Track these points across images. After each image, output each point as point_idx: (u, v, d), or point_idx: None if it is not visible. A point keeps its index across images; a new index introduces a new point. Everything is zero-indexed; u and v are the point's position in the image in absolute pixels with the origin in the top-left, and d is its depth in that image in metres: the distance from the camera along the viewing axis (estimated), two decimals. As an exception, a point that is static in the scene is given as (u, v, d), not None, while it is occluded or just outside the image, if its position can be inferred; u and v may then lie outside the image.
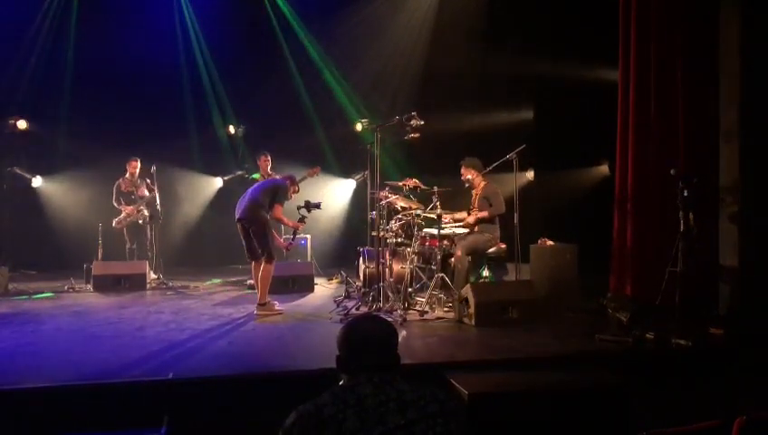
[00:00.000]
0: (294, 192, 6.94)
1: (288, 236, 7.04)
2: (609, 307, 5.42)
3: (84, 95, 9.84)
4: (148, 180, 8.86)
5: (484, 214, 6.85)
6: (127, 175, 8.91)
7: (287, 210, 6.83)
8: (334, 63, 10.83)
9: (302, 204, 6.85)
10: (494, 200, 6.86)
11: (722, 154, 6.07)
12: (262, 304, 6.35)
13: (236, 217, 6.50)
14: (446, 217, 6.90)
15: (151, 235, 8.69)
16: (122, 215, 8.71)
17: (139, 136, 9.65)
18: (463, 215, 7.17)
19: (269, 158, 8.53)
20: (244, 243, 6.55)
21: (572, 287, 6.62)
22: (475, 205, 7.04)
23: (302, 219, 6.80)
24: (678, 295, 5.18)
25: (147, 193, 8.76)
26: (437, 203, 6.78)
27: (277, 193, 6.52)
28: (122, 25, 9.65)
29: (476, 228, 6.95)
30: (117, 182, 8.91)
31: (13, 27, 9.65)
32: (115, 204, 8.81)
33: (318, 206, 6.90)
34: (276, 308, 6.46)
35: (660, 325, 5.23)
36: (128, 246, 8.82)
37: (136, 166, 8.90)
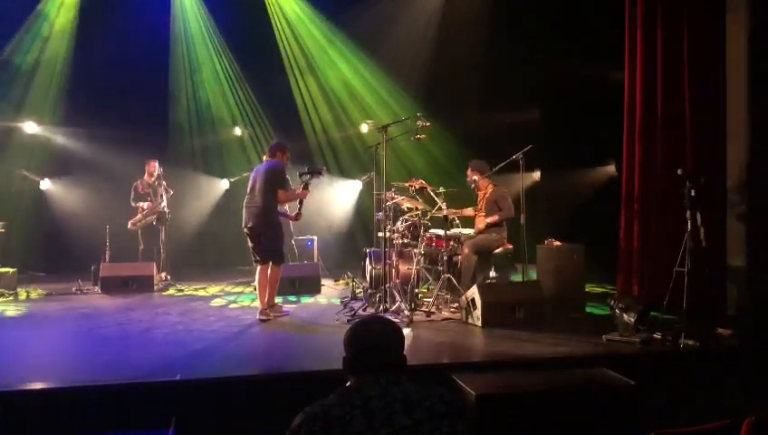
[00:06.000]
0: (287, 159, 6.57)
1: (295, 207, 6.69)
2: (616, 308, 5.40)
3: (91, 97, 9.88)
4: (165, 183, 8.88)
5: (495, 218, 6.86)
6: (145, 176, 8.91)
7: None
8: (340, 65, 10.84)
9: (305, 169, 6.53)
10: (503, 204, 6.88)
11: (729, 153, 6.04)
12: (270, 306, 6.27)
13: (245, 223, 6.26)
14: (454, 214, 6.91)
15: (162, 235, 8.72)
16: (138, 216, 8.74)
17: (146, 137, 9.69)
18: (470, 212, 7.18)
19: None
20: (251, 245, 6.35)
21: (579, 288, 6.60)
22: (482, 207, 7.04)
23: (305, 186, 6.45)
24: (686, 296, 5.15)
25: (163, 198, 8.70)
26: (444, 204, 6.79)
27: (276, 179, 6.23)
28: (128, 27, 9.67)
29: (483, 226, 6.96)
30: (134, 184, 8.92)
31: (17, 29, 9.74)
32: (132, 204, 8.85)
33: (320, 171, 6.59)
34: (283, 310, 6.43)
35: (668, 326, 5.22)
36: (141, 247, 8.84)
37: (155, 167, 8.86)
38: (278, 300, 6.67)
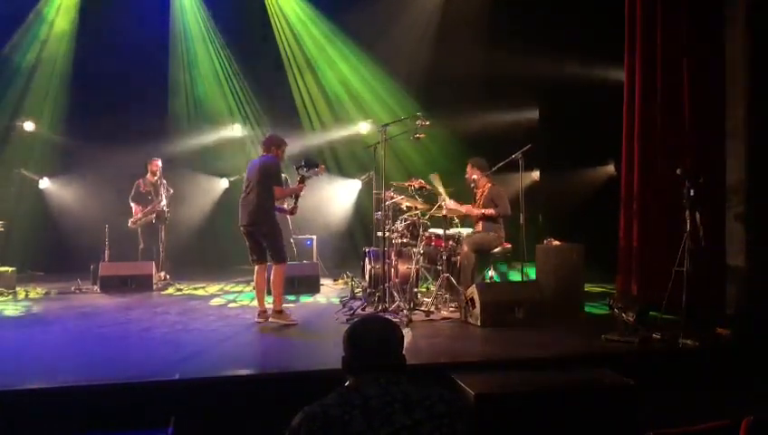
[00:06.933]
0: (283, 153, 6.32)
1: (291, 201, 6.50)
2: (615, 307, 5.40)
3: (90, 96, 9.89)
4: (165, 181, 8.87)
5: (491, 212, 6.86)
6: (148, 175, 8.87)
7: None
8: (339, 64, 10.84)
9: (302, 163, 6.25)
10: (500, 202, 6.89)
11: (728, 153, 6.05)
12: (278, 312, 5.95)
13: (240, 221, 6.07)
14: (451, 204, 6.87)
15: (161, 234, 8.72)
16: (138, 215, 8.73)
17: (145, 136, 9.69)
18: (468, 207, 7.16)
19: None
20: (248, 244, 6.14)
21: (578, 287, 6.60)
22: (480, 205, 7.05)
23: (302, 180, 6.18)
24: (685, 295, 5.15)
25: (164, 197, 8.71)
26: (443, 203, 6.79)
27: (270, 175, 5.99)
28: (127, 27, 9.68)
29: (481, 227, 6.96)
30: (137, 181, 8.88)
31: (17, 27, 9.73)
32: (131, 202, 8.80)
33: (317, 165, 6.35)
34: (292, 319, 5.98)
35: (667, 325, 5.22)
36: (141, 246, 8.83)
37: (158, 165, 8.83)
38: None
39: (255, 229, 6.02)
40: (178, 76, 10.64)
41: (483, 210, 6.91)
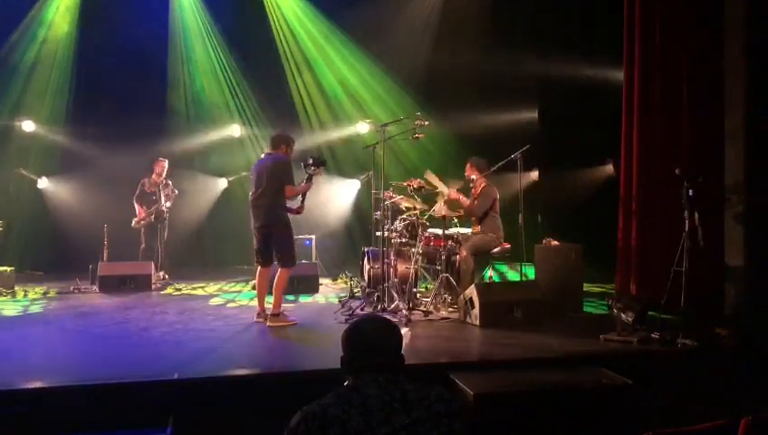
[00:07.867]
0: (291, 152, 6.24)
1: (297, 200, 6.31)
2: (613, 307, 5.41)
3: (89, 95, 9.89)
4: (171, 182, 8.86)
5: (462, 200, 6.94)
6: (153, 175, 8.86)
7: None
8: (338, 63, 10.83)
9: (309, 161, 6.15)
10: (479, 201, 6.92)
11: (727, 153, 6.04)
12: (275, 315, 5.84)
13: (254, 223, 5.97)
14: (453, 192, 6.90)
15: (161, 234, 8.72)
16: (142, 214, 8.74)
17: (144, 136, 9.68)
18: (465, 201, 7.13)
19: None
20: (257, 245, 6.02)
21: (577, 287, 6.61)
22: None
23: (309, 179, 6.12)
24: (684, 295, 5.16)
25: (164, 201, 8.72)
26: (442, 202, 6.80)
27: (283, 175, 5.90)
28: (126, 26, 9.68)
29: (479, 228, 6.97)
30: (142, 181, 8.89)
31: (17, 26, 9.73)
32: (135, 202, 8.82)
33: (324, 163, 6.28)
34: (290, 319, 5.95)
35: (666, 325, 5.22)
36: (142, 245, 8.84)
37: (163, 166, 8.83)
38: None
39: (269, 231, 5.93)
40: (177, 76, 10.64)
41: (460, 196, 6.95)
